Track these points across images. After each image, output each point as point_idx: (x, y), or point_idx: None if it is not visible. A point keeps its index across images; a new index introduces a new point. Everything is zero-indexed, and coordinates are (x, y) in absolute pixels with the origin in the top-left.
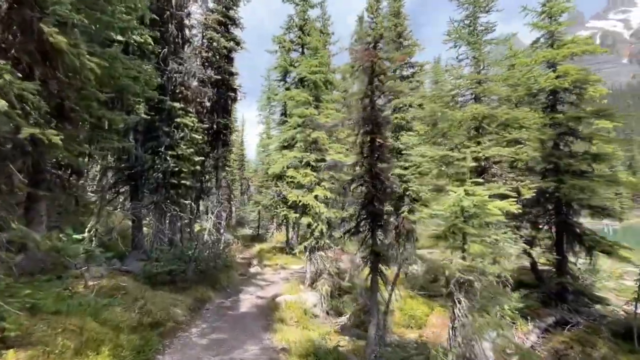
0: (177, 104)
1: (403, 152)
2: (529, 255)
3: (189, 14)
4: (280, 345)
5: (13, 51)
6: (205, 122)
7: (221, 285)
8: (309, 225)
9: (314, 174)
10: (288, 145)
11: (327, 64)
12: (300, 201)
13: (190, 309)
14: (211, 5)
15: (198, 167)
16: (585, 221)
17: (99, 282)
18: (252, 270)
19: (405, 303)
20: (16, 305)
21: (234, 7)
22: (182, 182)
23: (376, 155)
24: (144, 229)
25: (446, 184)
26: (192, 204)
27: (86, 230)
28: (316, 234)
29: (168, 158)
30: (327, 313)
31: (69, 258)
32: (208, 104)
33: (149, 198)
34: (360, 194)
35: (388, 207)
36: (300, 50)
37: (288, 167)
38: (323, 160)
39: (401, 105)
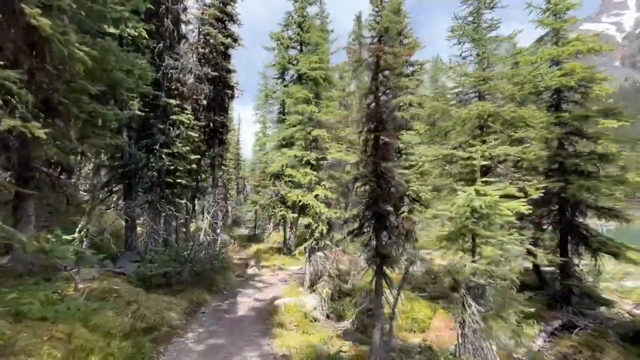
0: (172, 101)
1: (403, 151)
2: (534, 256)
3: (185, 9)
4: (280, 351)
5: None
6: (201, 119)
7: (218, 288)
8: (308, 226)
9: (314, 173)
10: (286, 144)
11: (327, 60)
12: (300, 201)
13: (185, 312)
14: (208, 0)
15: (194, 166)
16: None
17: (90, 284)
18: (250, 271)
19: (407, 306)
20: None
21: (232, 3)
22: (178, 180)
23: (381, 153)
24: (138, 229)
25: (450, 183)
26: (188, 203)
27: (77, 230)
28: (316, 234)
29: (163, 156)
30: (328, 316)
31: (57, 260)
32: (204, 101)
33: (143, 197)
34: (364, 193)
35: (388, 208)
36: (298, 47)
37: (287, 166)
38: (324, 159)
39: (402, 104)
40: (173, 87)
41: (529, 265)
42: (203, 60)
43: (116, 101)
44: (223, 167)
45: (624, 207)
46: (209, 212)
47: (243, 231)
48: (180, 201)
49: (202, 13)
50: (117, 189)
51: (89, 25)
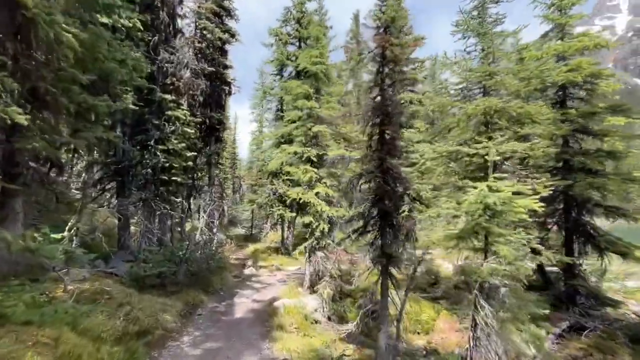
0: (168, 96)
1: (403, 149)
2: (539, 255)
3: (181, 1)
4: (281, 355)
5: None
6: (197, 116)
7: (214, 288)
8: (308, 225)
9: (315, 170)
10: (285, 141)
11: (327, 56)
12: (300, 199)
13: (181, 314)
14: None
15: (190, 163)
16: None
17: (80, 285)
18: (247, 271)
19: (410, 306)
20: None
21: None
22: (173, 178)
23: (387, 148)
24: (132, 228)
25: (455, 181)
26: (184, 201)
27: (66, 229)
28: (317, 233)
29: (158, 153)
30: (329, 318)
31: (45, 259)
32: (201, 97)
33: (137, 195)
34: (369, 190)
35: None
36: (297, 44)
37: (286, 164)
38: (324, 155)
39: (402, 102)
40: (168, 82)
41: (531, 264)
42: (199, 56)
43: (109, 94)
44: (219, 165)
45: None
46: (205, 211)
47: (239, 231)
48: (176, 199)
49: (199, 7)
50: (110, 186)
51: (78, 11)
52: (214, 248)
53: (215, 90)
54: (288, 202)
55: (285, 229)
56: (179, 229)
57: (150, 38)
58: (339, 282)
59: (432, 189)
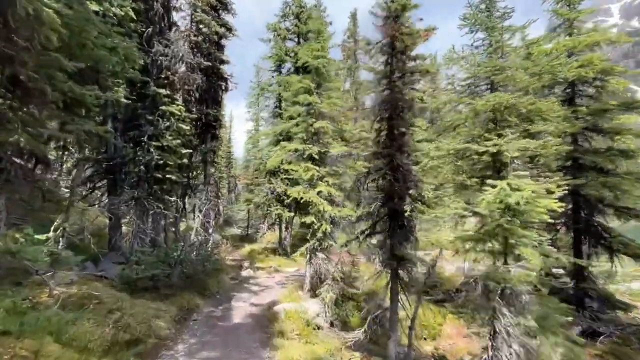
0: (162, 90)
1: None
2: (547, 257)
3: None
4: None
5: None
6: (193, 112)
7: (210, 291)
8: (309, 225)
9: (317, 168)
10: (283, 139)
11: (327, 50)
12: (301, 198)
13: (175, 320)
14: None
15: (185, 161)
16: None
17: (67, 289)
18: (244, 273)
19: (410, 307)
20: None
21: None
22: (167, 176)
23: (397, 145)
24: (123, 228)
25: (463, 180)
26: (178, 200)
27: (52, 229)
28: (319, 234)
29: (151, 149)
30: (332, 324)
31: (28, 262)
32: (197, 93)
33: (129, 193)
34: (377, 189)
35: (404, 205)
36: (296, 39)
37: (285, 162)
38: (327, 153)
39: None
40: (163, 76)
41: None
42: (195, 50)
43: (99, 85)
44: (215, 164)
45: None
46: (200, 211)
47: (235, 231)
48: (170, 198)
49: None
50: (100, 184)
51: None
52: (209, 249)
53: (212, 86)
54: (286, 201)
55: (283, 229)
56: (173, 229)
57: (143, 30)
58: (342, 285)
59: (433, 188)
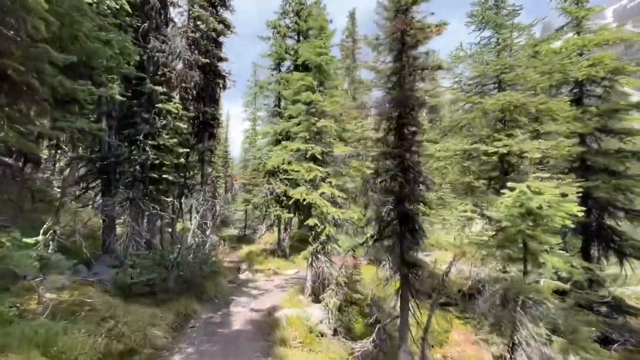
0: (158, 88)
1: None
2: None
3: None
4: None
5: None
6: (190, 110)
7: (208, 296)
8: (312, 228)
9: (320, 168)
10: (282, 139)
11: (329, 47)
12: (304, 200)
13: (172, 327)
14: None
15: (182, 160)
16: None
17: (57, 295)
18: (242, 276)
19: (420, 314)
20: None
21: None
22: (164, 176)
23: (407, 144)
24: (117, 229)
25: (471, 181)
26: (175, 201)
27: (41, 231)
28: (322, 237)
29: (147, 148)
30: (335, 330)
31: (14, 267)
32: (194, 91)
33: (124, 194)
34: (386, 191)
35: (414, 207)
36: (296, 37)
37: (285, 162)
38: (330, 153)
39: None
40: (160, 73)
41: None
42: (193, 47)
43: (93, 82)
44: (212, 163)
45: None
46: (197, 212)
47: (232, 231)
48: (166, 199)
49: None
50: (94, 184)
51: None
52: (207, 251)
53: (209, 83)
54: (285, 202)
55: (282, 230)
56: (170, 231)
57: (139, 24)
58: (346, 290)
59: (435, 189)
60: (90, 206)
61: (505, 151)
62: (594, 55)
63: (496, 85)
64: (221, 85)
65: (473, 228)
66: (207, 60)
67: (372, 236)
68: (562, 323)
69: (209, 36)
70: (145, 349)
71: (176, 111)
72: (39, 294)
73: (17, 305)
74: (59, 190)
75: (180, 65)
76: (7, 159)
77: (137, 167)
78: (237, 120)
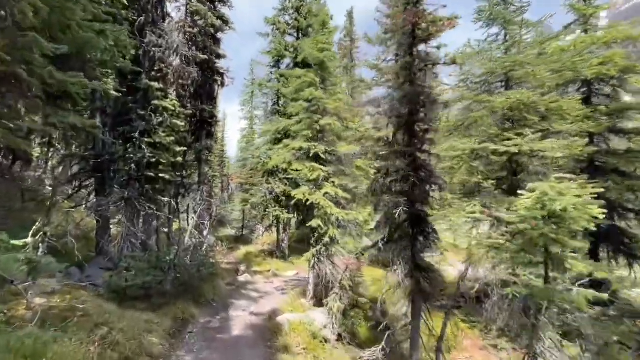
0: (155, 84)
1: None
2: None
3: None
4: None
5: None
6: (187, 107)
7: (206, 299)
8: (314, 230)
9: (323, 167)
10: (282, 137)
11: (332, 43)
12: (307, 200)
13: (169, 333)
14: None
15: (179, 159)
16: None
17: (47, 300)
18: (241, 278)
19: (425, 317)
20: None
21: None
22: (160, 175)
23: (418, 143)
24: (112, 230)
25: (480, 181)
26: (171, 201)
27: (30, 233)
28: (325, 239)
29: (143, 146)
30: (340, 336)
31: (0, 271)
32: (192, 88)
33: (119, 193)
34: (396, 191)
35: (426, 209)
36: (295, 34)
37: (286, 161)
38: (333, 151)
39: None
40: (156, 69)
41: None
42: (190, 43)
43: (86, 76)
44: (209, 162)
45: None
46: (195, 212)
47: (229, 232)
48: (163, 199)
49: None
50: (87, 183)
51: None
52: (204, 252)
53: (207, 80)
54: (284, 202)
55: (281, 230)
56: (166, 231)
57: (135, 18)
58: (351, 294)
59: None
60: (83, 206)
61: (516, 150)
62: (605, 53)
63: (503, 83)
64: (219, 83)
65: (482, 229)
66: (205, 57)
67: (383, 238)
68: (591, 334)
69: (207, 32)
70: (141, 358)
71: (173, 108)
72: (27, 299)
73: (5, 311)
74: (51, 189)
75: (177, 61)
76: None
77: (133, 165)
78: (233, 120)
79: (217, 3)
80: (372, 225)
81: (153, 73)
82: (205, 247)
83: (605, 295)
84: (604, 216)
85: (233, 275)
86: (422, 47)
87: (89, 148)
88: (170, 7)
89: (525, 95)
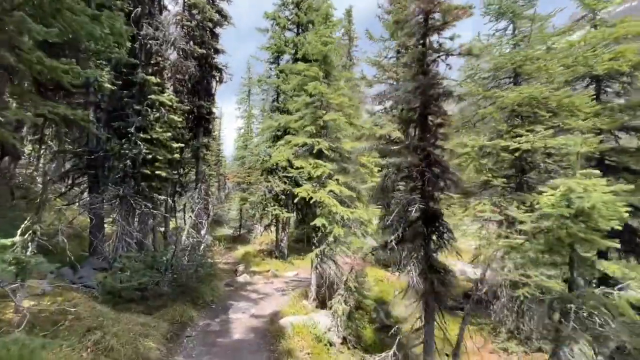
0: (151, 78)
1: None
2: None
3: None
4: None
5: None
6: (185, 103)
7: (204, 301)
8: (316, 229)
9: (327, 164)
10: (282, 135)
11: (335, 37)
12: (310, 198)
13: (166, 337)
14: None
15: (176, 156)
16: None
17: (37, 303)
18: (240, 279)
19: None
20: None
21: None
22: (157, 172)
23: (432, 137)
24: (106, 229)
25: (489, 179)
26: (168, 199)
27: (19, 232)
28: (330, 239)
29: (139, 142)
30: (345, 339)
31: None
32: (189, 83)
33: (113, 191)
34: (407, 188)
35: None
36: (295, 30)
37: (284, 159)
38: (338, 148)
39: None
40: (153, 62)
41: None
42: (188, 37)
43: (78, 61)
44: (206, 161)
45: None
46: (192, 210)
47: (226, 231)
48: (159, 197)
49: None
50: (80, 180)
51: None
52: (202, 252)
53: (205, 76)
54: (284, 201)
55: (280, 230)
56: (163, 230)
57: (131, 9)
58: (357, 296)
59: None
60: (76, 204)
61: (529, 147)
62: (617, 48)
63: (511, 79)
64: (217, 79)
65: (490, 228)
66: (203, 51)
67: (396, 237)
68: (626, 341)
69: (205, 26)
70: None
71: (170, 103)
72: (15, 302)
73: None
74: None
75: (174, 55)
76: None
77: (128, 162)
78: (229, 119)
79: None
80: (375, 223)
81: (149, 66)
82: (203, 246)
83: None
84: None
85: (231, 276)
86: (434, 37)
87: (82, 144)
88: (167, 0)
89: (539, 90)
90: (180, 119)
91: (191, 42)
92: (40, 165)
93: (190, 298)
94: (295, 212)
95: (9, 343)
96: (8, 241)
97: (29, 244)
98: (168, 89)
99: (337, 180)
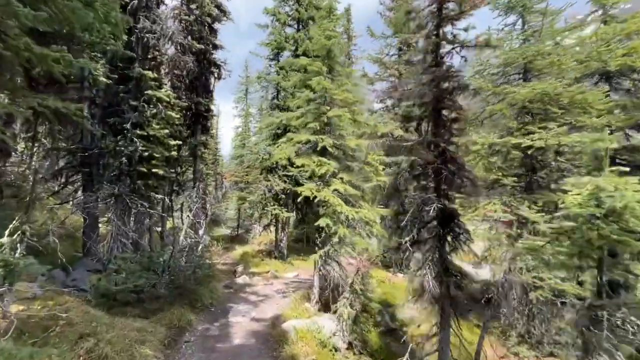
0: (148, 73)
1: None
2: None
3: None
4: None
5: None
6: (182, 99)
7: (203, 304)
8: (319, 229)
9: (332, 162)
10: (282, 133)
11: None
12: (314, 197)
13: (164, 343)
14: None
15: (174, 153)
16: None
17: (27, 308)
18: (239, 280)
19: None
20: None
21: None
22: (154, 170)
23: (447, 133)
24: (100, 229)
25: (499, 178)
26: (166, 198)
27: (7, 232)
28: (335, 239)
29: (135, 139)
30: (350, 344)
31: None
32: (187, 79)
33: (109, 189)
34: (420, 187)
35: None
36: (296, 26)
37: (284, 158)
38: (342, 145)
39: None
40: (150, 57)
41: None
42: (186, 31)
43: (70, 49)
44: (204, 159)
45: None
46: (190, 210)
47: (223, 231)
48: (156, 195)
49: None
50: (74, 178)
51: None
52: (200, 253)
53: (203, 72)
54: (284, 200)
55: (280, 230)
56: (160, 231)
57: (127, 0)
58: (363, 299)
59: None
60: (70, 203)
61: (542, 144)
62: (630, 44)
63: (521, 74)
64: (216, 75)
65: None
66: (202, 47)
67: (410, 239)
68: None
69: (204, 21)
70: None
71: (168, 99)
72: (1, 307)
73: None
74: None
75: (172, 50)
76: None
77: (124, 159)
78: (226, 118)
79: None
80: (378, 223)
81: (146, 61)
82: (201, 247)
83: None
84: None
85: (230, 277)
86: (448, 28)
87: (76, 141)
88: None
89: (552, 85)
90: (178, 116)
91: (189, 37)
92: (33, 163)
93: (188, 301)
94: (295, 212)
95: None
96: None
97: (18, 244)
98: (165, 84)
99: (341, 178)
